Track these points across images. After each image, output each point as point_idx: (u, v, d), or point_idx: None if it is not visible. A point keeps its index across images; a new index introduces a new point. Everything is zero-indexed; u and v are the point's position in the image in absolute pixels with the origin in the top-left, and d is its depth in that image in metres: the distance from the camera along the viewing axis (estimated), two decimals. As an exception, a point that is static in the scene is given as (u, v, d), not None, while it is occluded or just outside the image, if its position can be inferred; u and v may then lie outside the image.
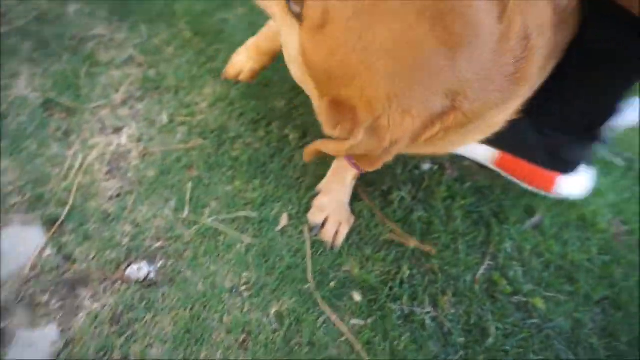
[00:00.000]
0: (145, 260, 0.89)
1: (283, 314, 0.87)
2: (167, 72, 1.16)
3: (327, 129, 0.57)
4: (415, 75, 0.52)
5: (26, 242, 0.88)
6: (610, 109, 0.92)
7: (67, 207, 0.91)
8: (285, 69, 0.66)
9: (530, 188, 1.09)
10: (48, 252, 0.88)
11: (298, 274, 0.92)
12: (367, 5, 0.51)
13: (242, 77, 1.06)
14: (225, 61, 1.13)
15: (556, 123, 0.97)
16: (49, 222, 0.90)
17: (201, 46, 1.24)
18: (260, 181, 1.01)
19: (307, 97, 0.66)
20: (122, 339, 0.81)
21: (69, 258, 0.88)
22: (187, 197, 0.97)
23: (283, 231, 0.96)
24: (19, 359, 0.78)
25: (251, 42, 1.04)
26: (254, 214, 0.97)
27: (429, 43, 0.51)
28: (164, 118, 1.08)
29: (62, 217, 0.90)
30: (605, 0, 0.73)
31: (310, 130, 1.10)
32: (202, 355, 0.81)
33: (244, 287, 0.89)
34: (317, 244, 0.95)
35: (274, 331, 0.85)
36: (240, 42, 1.07)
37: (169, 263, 0.90)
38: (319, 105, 0.60)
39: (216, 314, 0.86)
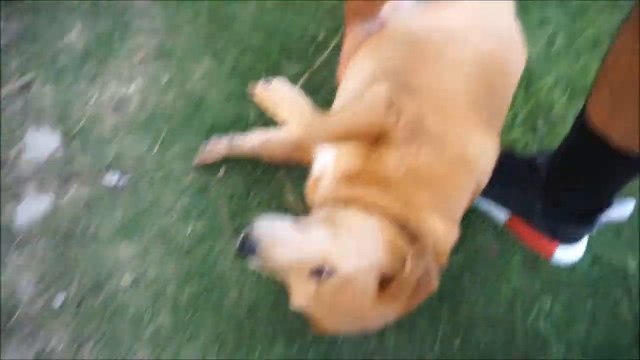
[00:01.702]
0: (118, 173, 1.40)
1: (196, 232, 1.37)
2: (179, 46, 1.64)
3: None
4: None
5: (48, 141, 1.42)
6: (604, 203, 1.22)
7: (79, 127, 1.44)
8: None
9: (532, 250, 1.41)
10: (60, 151, 1.41)
11: (216, 210, 1.40)
12: None
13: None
14: (224, 47, 1.62)
15: (559, 207, 1.28)
16: (65, 133, 1.43)
17: (211, 31, 1.72)
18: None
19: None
20: (88, 216, 1.33)
21: (71, 159, 1.41)
22: (160, 139, 1.47)
23: (218, 179, 1.45)
24: (26, 216, 1.33)
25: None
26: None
27: None
28: (165, 79, 1.56)
29: (74, 132, 1.44)
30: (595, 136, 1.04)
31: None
32: (134, 242, 1.33)
33: (176, 209, 1.39)
34: (232, 198, 1.43)
35: (185, 242, 1.35)
36: (241, 36, 1.55)
37: (133, 179, 1.41)
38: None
39: (151, 220, 1.36)
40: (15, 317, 1.22)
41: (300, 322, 1.30)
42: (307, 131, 1.08)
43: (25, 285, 1.25)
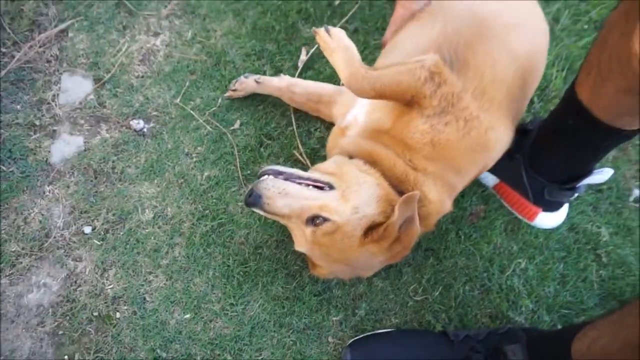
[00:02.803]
0: (143, 119, 1.44)
1: (211, 177, 1.42)
2: (204, 3, 1.64)
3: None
4: None
5: (81, 87, 1.45)
6: (584, 170, 1.28)
7: (110, 75, 1.47)
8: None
9: (515, 213, 1.46)
10: (91, 97, 1.44)
11: (230, 158, 1.44)
12: None
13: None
14: (245, 7, 1.61)
15: (543, 172, 1.33)
16: (97, 80, 1.46)
17: (234, -10, 1.71)
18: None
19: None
20: (115, 157, 1.38)
21: (101, 104, 1.44)
22: (183, 90, 1.49)
23: (233, 130, 1.48)
24: (60, 153, 1.38)
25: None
26: (219, 114, 1.49)
27: None
28: (189, 35, 1.57)
29: (105, 79, 1.46)
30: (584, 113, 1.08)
31: (282, 74, 1.58)
32: (154, 183, 1.39)
33: (194, 155, 1.43)
34: (246, 148, 1.46)
35: (201, 185, 1.40)
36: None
37: (157, 126, 1.45)
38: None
39: (171, 163, 1.41)
40: (48, 242, 1.29)
41: (299, 264, 1.37)
42: (350, 79, 1.11)
43: (57, 215, 1.32)
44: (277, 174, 1.10)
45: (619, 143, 1.22)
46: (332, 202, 1.07)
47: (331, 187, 1.10)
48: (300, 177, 1.10)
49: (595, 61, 1.01)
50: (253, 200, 1.05)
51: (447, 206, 1.17)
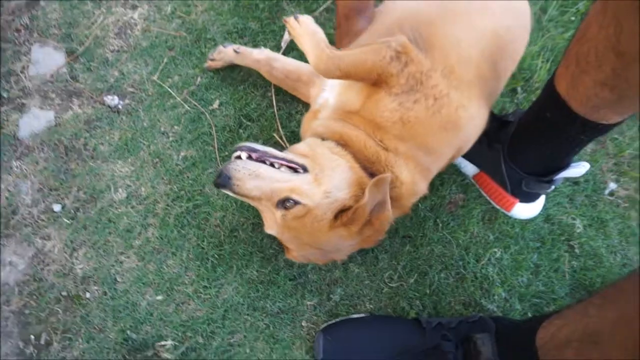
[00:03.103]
0: (118, 96, 1.39)
1: (187, 157, 1.38)
2: None
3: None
4: None
5: (53, 59, 1.39)
6: (561, 164, 1.27)
7: (83, 47, 1.41)
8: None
9: (493, 203, 1.46)
10: (63, 70, 1.38)
11: (208, 139, 1.41)
12: None
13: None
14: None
15: (521, 163, 1.32)
16: (69, 52, 1.40)
17: (217, -37, 1.65)
18: (213, 74, 1.48)
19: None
20: (87, 133, 1.33)
21: (74, 78, 1.39)
22: (161, 67, 1.44)
23: (212, 110, 1.44)
24: (28, 128, 1.33)
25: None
26: (198, 93, 1.45)
27: None
28: (169, 9, 1.51)
29: (78, 52, 1.40)
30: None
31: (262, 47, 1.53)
32: (128, 161, 1.34)
33: (171, 134, 1.39)
34: (224, 129, 1.43)
35: (176, 165, 1.36)
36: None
37: (132, 103, 1.40)
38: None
39: (146, 142, 1.37)
40: (15, 219, 1.25)
41: (275, 247, 1.34)
42: (317, 61, 1.11)
43: (25, 192, 1.27)
44: (251, 151, 1.07)
45: (595, 137, 1.22)
46: (304, 185, 1.04)
47: (305, 170, 1.08)
48: (274, 157, 1.08)
49: (574, 53, 1.00)
50: (222, 181, 1.02)
51: (421, 188, 1.15)
